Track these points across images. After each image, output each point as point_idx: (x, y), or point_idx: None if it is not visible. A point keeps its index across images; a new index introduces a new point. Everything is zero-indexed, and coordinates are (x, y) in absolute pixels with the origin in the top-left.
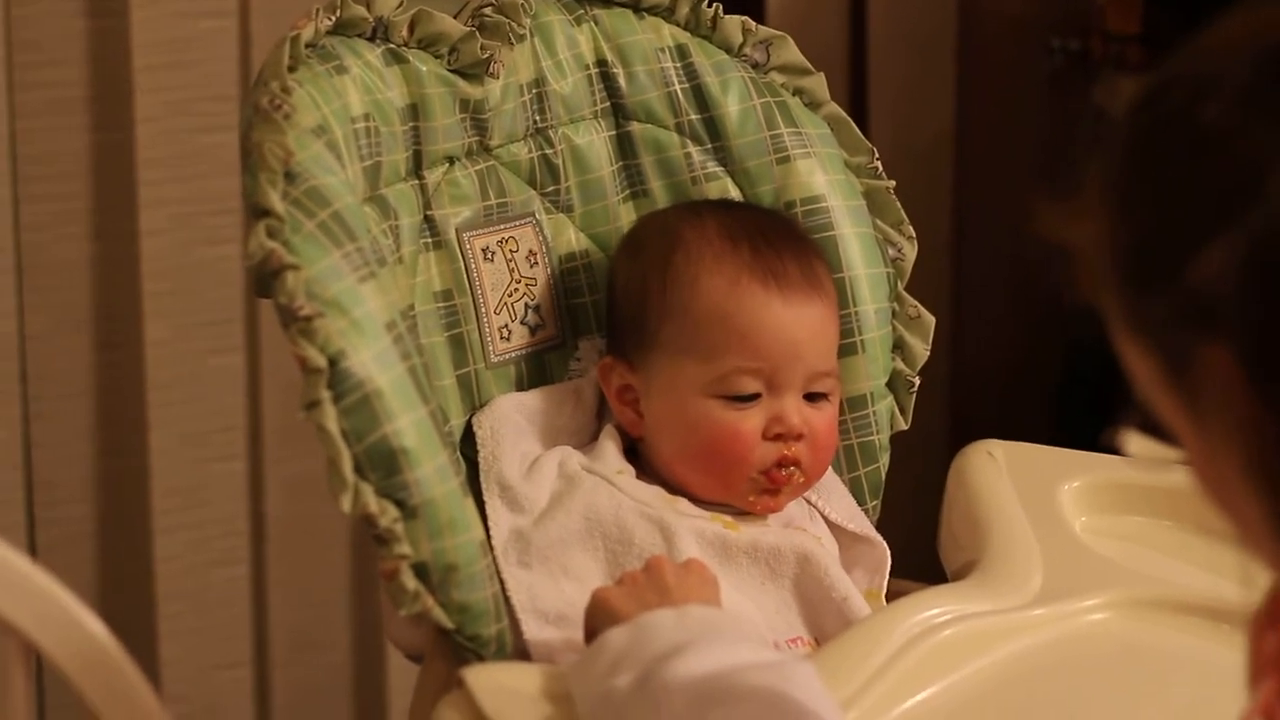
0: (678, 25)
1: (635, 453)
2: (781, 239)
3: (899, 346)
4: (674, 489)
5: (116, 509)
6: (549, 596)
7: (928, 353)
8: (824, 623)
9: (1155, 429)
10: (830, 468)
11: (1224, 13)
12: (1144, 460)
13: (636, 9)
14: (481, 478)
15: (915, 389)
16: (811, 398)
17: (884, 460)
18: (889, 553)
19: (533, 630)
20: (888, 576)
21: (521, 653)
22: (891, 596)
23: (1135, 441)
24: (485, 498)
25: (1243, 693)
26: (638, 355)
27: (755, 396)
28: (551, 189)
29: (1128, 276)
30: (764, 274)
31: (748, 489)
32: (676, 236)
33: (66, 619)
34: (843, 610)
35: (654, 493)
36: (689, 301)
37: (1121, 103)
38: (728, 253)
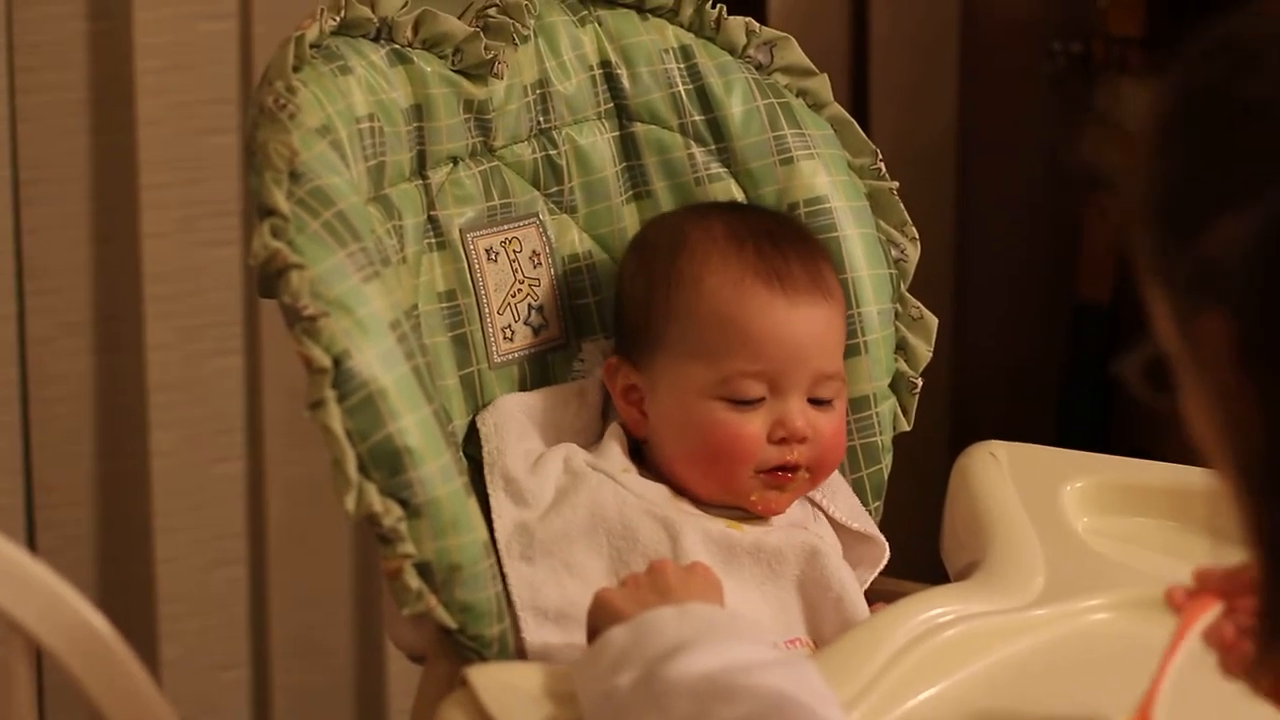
0: (681, 26)
1: (639, 453)
2: (788, 241)
3: (902, 347)
4: (678, 489)
5: (117, 511)
6: (550, 593)
7: (930, 354)
8: (824, 624)
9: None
10: None
11: (1228, 13)
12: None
13: (640, 10)
14: (486, 471)
15: (918, 390)
16: (817, 403)
17: (886, 461)
18: (888, 553)
19: (531, 630)
20: (876, 574)
21: (523, 653)
22: (893, 597)
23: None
24: (489, 491)
25: (1244, 695)
26: (643, 356)
27: (759, 400)
28: (555, 190)
29: (1155, 218)
30: (768, 275)
31: (750, 488)
32: (683, 238)
33: (70, 615)
34: (843, 612)
35: (659, 491)
36: (693, 303)
37: (1177, 55)
38: (733, 254)
